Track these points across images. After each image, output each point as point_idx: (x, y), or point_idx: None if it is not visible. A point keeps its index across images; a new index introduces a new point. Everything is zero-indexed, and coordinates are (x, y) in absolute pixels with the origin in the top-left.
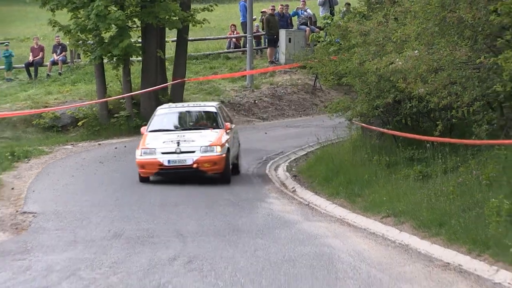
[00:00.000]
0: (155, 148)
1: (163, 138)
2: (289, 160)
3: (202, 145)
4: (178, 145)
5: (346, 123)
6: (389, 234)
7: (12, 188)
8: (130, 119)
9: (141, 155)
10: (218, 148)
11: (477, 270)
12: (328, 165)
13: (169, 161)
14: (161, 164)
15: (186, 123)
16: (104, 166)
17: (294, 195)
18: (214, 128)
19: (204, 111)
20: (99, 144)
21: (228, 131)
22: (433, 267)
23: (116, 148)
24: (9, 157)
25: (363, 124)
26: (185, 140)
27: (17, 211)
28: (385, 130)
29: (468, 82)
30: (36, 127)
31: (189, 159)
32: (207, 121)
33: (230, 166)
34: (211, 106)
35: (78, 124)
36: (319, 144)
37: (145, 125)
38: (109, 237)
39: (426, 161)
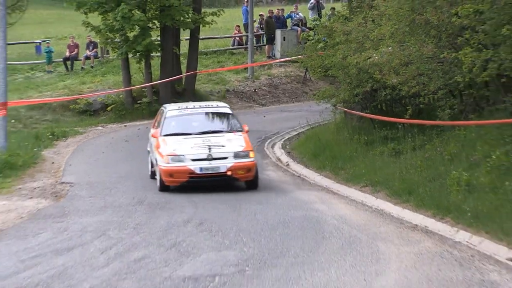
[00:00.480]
0: (184, 155)
1: (188, 143)
2: (283, 139)
3: (235, 150)
4: (209, 151)
5: (331, 108)
6: (367, 201)
7: (52, 163)
8: (151, 105)
9: (168, 163)
10: (252, 154)
11: (440, 230)
12: (316, 143)
13: (201, 169)
14: (192, 172)
15: (203, 126)
16: (129, 144)
17: (288, 168)
18: (234, 131)
19: (219, 113)
20: (125, 125)
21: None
22: (404, 228)
23: (139, 129)
24: (50, 136)
25: (345, 109)
26: (214, 145)
27: (56, 182)
28: (364, 114)
29: (433, 74)
30: (72, 111)
31: (222, 166)
32: (224, 123)
33: None
34: (224, 107)
35: (107, 109)
36: (308, 126)
37: (157, 126)
38: (134, 203)
39: (398, 140)
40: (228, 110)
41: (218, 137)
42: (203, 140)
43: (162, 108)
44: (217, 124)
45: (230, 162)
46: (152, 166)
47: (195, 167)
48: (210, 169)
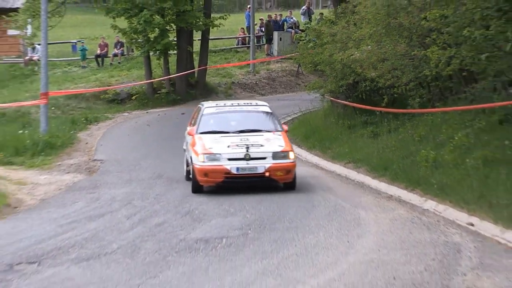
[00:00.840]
0: (220, 154)
1: (225, 141)
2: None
3: (274, 150)
4: (247, 150)
5: (320, 97)
6: (350, 175)
7: (86, 143)
8: (168, 95)
9: (203, 161)
10: (292, 154)
11: (411, 200)
12: (307, 127)
13: (238, 169)
14: (228, 172)
15: (241, 124)
16: (150, 128)
17: None
18: (273, 131)
19: (258, 111)
20: (147, 112)
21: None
22: (381, 198)
23: (158, 115)
24: (84, 121)
25: (332, 98)
26: (252, 145)
27: (89, 159)
28: (347, 103)
29: (406, 68)
30: (102, 100)
31: (260, 167)
32: (263, 122)
33: None
34: (264, 105)
35: (132, 98)
36: (301, 112)
37: (193, 124)
38: (154, 177)
39: (376, 124)
40: (267, 109)
41: (256, 136)
42: (240, 139)
43: (199, 105)
44: (256, 123)
45: (269, 163)
46: (187, 165)
47: (232, 166)
48: (248, 169)
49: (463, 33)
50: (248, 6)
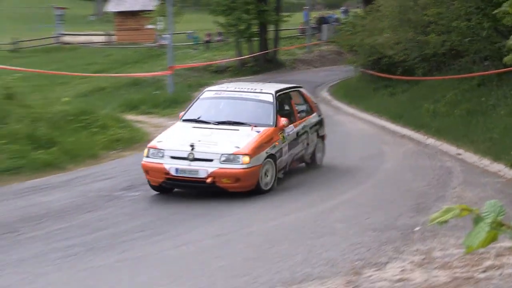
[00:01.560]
0: (164, 150)
1: (186, 134)
2: (328, 86)
3: (224, 152)
4: (192, 149)
5: (354, 69)
6: (375, 121)
7: None
8: (252, 67)
9: (147, 156)
10: (246, 159)
11: (417, 138)
12: (345, 88)
13: (177, 170)
14: (167, 173)
15: (227, 114)
16: None
17: (330, 104)
18: (259, 126)
19: (256, 100)
20: (237, 79)
21: (284, 129)
22: (396, 137)
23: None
24: (196, 85)
25: (362, 70)
26: (205, 142)
27: None
28: (373, 72)
29: (413, 49)
30: (208, 71)
31: (202, 171)
32: (255, 113)
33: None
34: (267, 93)
35: (227, 69)
36: (340, 80)
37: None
38: None
39: (393, 87)
40: (269, 98)
41: (230, 130)
42: (211, 132)
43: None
44: (246, 114)
45: (214, 167)
46: None
47: (171, 167)
48: (188, 172)
49: (452, 24)
50: (305, 7)
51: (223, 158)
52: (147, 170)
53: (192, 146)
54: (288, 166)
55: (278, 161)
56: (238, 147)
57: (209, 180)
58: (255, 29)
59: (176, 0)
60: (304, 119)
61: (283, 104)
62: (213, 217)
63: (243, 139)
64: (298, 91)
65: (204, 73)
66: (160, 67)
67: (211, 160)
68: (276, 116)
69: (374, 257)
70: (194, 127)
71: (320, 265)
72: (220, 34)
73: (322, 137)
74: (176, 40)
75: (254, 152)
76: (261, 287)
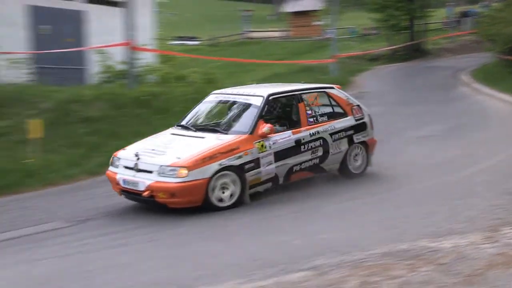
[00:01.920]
0: (119, 158)
1: (151, 142)
2: (468, 71)
3: (162, 163)
4: (138, 159)
5: (492, 55)
6: (510, 99)
7: (357, 82)
8: (402, 55)
9: (111, 164)
10: (183, 172)
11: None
12: (485, 72)
13: (124, 182)
14: (118, 184)
15: (210, 119)
16: (391, 74)
17: (470, 86)
18: (231, 133)
19: (244, 104)
20: (389, 66)
21: (266, 137)
22: None
23: (397, 67)
24: (355, 70)
25: (498, 56)
26: (154, 152)
27: (359, 92)
28: (509, 57)
29: None
30: (365, 59)
31: (141, 183)
32: (237, 119)
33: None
34: (259, 97)
35: (381, 57)
36: (479, 65)
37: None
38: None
39: None
40: (257, 102)
41: (194, 138)
42: (173, 140)
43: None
44: (226, 119)
45: (152, 179)
46: None
47: (120, 177)
48: (131, 184)
49: None
50: (449, 3)
51: (160, 170)
52: (108, 179)
53: (137, 155)
54: (284, 177)
55: (249, 174)
56: (179, 158)
57: (146, 193)
58: (404, 23)
59: (340, 0)
60: (324, 123)
61: (280, 108)
62: (370, 178)
63: (190, 149)
64: (325, 92)
65: (361, 61)
66: (325, 56)
67: (151, 172)
68: (257, 122)
69: (510, 217)
70: (172, 134)
71: (461, 222)
72: (374, 28)
73: (362, 143)
74: (339, 34)
75: (195, 164)
76: (410, 237)
